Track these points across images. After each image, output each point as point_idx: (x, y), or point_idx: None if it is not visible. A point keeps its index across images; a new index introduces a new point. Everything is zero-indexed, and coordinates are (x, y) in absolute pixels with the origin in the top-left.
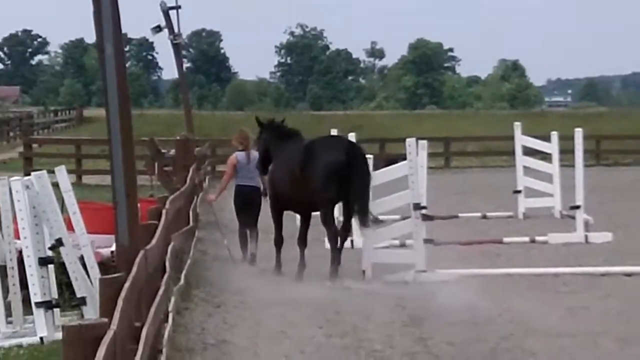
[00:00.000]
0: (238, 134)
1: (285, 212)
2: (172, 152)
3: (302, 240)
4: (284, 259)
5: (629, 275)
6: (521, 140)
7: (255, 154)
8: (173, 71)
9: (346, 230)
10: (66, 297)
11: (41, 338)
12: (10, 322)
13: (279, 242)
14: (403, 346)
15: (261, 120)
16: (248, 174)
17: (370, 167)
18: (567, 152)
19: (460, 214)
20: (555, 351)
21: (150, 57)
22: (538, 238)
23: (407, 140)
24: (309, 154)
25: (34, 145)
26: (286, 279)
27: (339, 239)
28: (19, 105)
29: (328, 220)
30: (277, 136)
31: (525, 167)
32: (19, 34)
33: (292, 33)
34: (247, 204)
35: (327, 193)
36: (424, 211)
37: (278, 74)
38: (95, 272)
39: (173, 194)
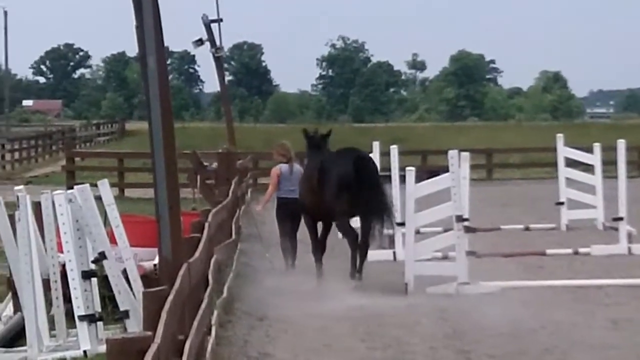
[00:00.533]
0: (279, 146)
1: None
2: (214, 165)
3: (318, 248)
4: (325, 271)
5: None
6: (563, 151)
7: (297, 166)
8: (215, 84)
9: (365, 243)
10: (109, 310)
11: (84, 351)
12: (53, 336)
13: (316, 250)
14: (445, 359)
15: (309, 133)
16: (290, 186)
17: (413, 178)
18: (609, 163)
19: (502, 226)
20: None
21: (191, 71)
22: (581, 250)
23: (449, 152)
24: (324, 166)
25: (77, 159)
26: (328, 291)
27: (359, 244)
28: (61, 118)
29: (344, 229)
30: (308, 147)
31: (567, 179)
32: (61, 47)
33: (333, 45)
34: (288, 216)
35: (339, 205)
36: (466, 223)
37: (320, 86)
38: (138, 285)
39: (215, 207)
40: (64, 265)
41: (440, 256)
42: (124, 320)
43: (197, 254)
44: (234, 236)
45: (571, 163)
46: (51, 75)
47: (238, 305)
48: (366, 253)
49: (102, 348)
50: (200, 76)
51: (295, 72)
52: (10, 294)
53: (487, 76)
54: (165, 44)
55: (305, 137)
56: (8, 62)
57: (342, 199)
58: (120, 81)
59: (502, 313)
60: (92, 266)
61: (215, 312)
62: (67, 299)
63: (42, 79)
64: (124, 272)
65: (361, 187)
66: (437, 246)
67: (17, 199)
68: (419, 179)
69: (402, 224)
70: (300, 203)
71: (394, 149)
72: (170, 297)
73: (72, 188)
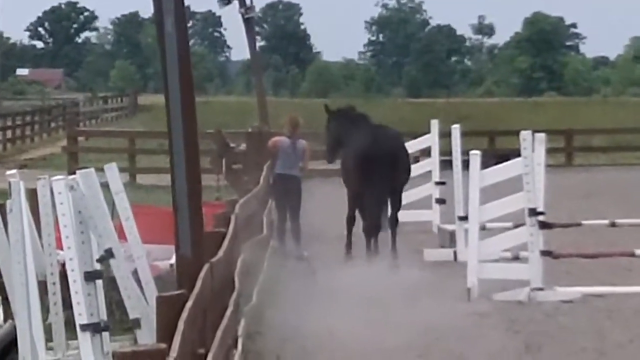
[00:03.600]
0: (289, 118)
1: None
2: (243, 146)
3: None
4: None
5: None
6: None
7: (302, 142)
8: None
9: (392, 225)
10: (117, 318)
11: None
12: (50, 348)
13: (350, 220)
14: None
15: (330, 109)
16: (289, 163)
17: (478, 164)
18: None
19: (584, 221)
20: None
21: (217, 35)
22: None
23: (522, 133)
24: (357, 141)
25: (80, 139)
26: (377, 296)
27: (373, 231)
28: (62, 91)
29: (362, 211)
30: (348, 122)
31: None
32: (62, 7)
33: (385, 6)
34: (286, 194)
35: (356, 185)
36: (541, 217)
37: (368, 54)
38: (151, 288)
39: (243, 197)
40: (63, 265)
41: (510, 256)
42: (134, 330)
43: (221, 252)
44: (265, 231)
45: None
46: (50, 40)
47: (269, 314)
48: (396, 228)
49: None
50: (227, 41)
51: (339, 37)
52: None
53: (567, 43)
54: (186, 3)
55: (337, 115)
56: (0, 24)
57: (358, 178)
58: (132, 47)
59: (584, 324)
60: (98, 266)
61: (243, 322)
62: (68, 304)
63: (39, 44)
64: (135, 273)
65: (377, 168)
66: (506, 245)
67: (9, 185)
68: (485, 164)
69: (464, 218)
70: (344, 178)
71: (456, 129)
72: (189, 303)
73: (74, 173)
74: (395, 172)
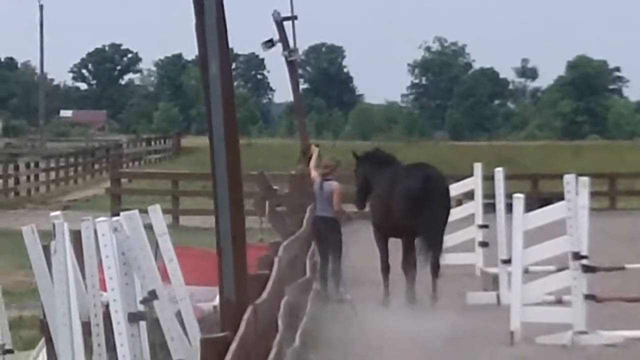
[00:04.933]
0: (325, 160)
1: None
2: (286, 189)
3: (385, 269)
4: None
5: None
6: None
7: (331, 184)
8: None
9: (434, 268)
10: (160, 359)
11: None
12: None
13: (384, 269)
14: None
15: (357, 154)
16: (320, 205)
17: (522, 207)
18: None
19: (627, 265)
20: None
21: (260, 77)
22: None
23: (565, 176)
24: (395, 181)
25: (123, 180)
26: (420, 339)
27: (414, 271)
28: (106, 132)
29: (405, 249)
30: (376, 164)
31: None
32: (106, 48)
33: (428, 49)
34: (323, 236)
35: (402, 221)
36: (584, 261)
37: (411, 96)
38: (194, 330)
39: (287, 239)
40: (107, 306)
41: (554, 300)
42: None
43: (264, 294)
44: (308, 274)
45: None
46: (94, 81)
47: (313, 356)
48: (438, 272)
49: None
50: (270, 83)
51: (382, 80)
52: (43, 339)
53: (611, 86)
54: (230, 46)
55: (365, 158)
56: (44, 65)
57: (407, 215)
58: (176, 89)
59: None
60: (141, 307)
61: None
62: (111, 346)
63: (83, 85)
64: (178, 314)
65: (429, 204)
66: (550, 288)
67: (53, 227)
68: (528, 207)
69: (507, 261)
70: (373, 221)
71: (499, 172)
72: (233, 346)
73: (117, 214)
74: (445, 211)
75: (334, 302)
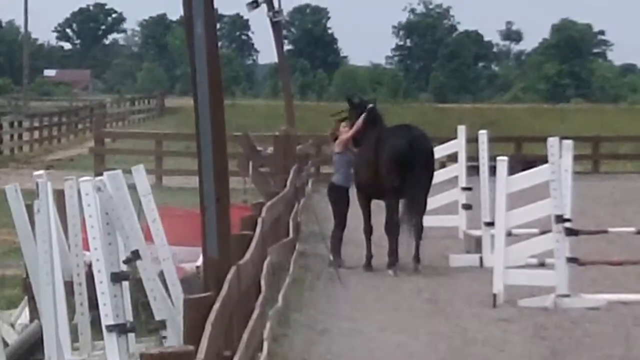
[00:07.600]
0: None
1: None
2: (270, 149)
3: (368, 230)
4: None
5: None
6: None
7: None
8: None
9: (417, 230)
10: (143, 319)
11: None
12: (76, 349)
13: (367, 231)
14: None
15: (353, 100)
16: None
17: (505, 170)
18: None
19: (610, 228)
20: None
21: (244, 38)
22: None
23: (549, 139)
24: (380, 141)
25: (107, 140)
26: (404, 301)
27: (397, 233)
28: (90, 92)
29: (389, 210)
30: (366, 120)
31: None
32: (90, 8)
33: (413, 11)
34: (343, 202)
35: (389, 182)
36: (567, 224)
37: (396, 58)
38: (177, 290)
39: (270, 200)
40: (90, 266)
41: (536, 263)
42: (160, 332)
43: (248, 255)
44: (291, 234)
45: None
46: (78, 41)
47: (295, 317)
48: (421, 235)
49: None
50: (255, 45)
51: (366, 42)
52: (26, 298)
53: (595, 50)
54: (215, 6)
55: (352, 105)
56: (28, 25)
57: (393, 176)
58: (160, 49)
59: (610, 331)
60: (124, 267)
61: (268, 324)
62: (94, 305)
63: (67, 45)
64: (161, 274)
65: (415, 166)
66: (533, 251)
67: (37, 186)
68: (512, 170)
69: (491, 224)
70: (355, 182)
71: (483, 135)
72: (216, 306)
73: (101, 174)
74: (429, 173)
75: (317, 262)
